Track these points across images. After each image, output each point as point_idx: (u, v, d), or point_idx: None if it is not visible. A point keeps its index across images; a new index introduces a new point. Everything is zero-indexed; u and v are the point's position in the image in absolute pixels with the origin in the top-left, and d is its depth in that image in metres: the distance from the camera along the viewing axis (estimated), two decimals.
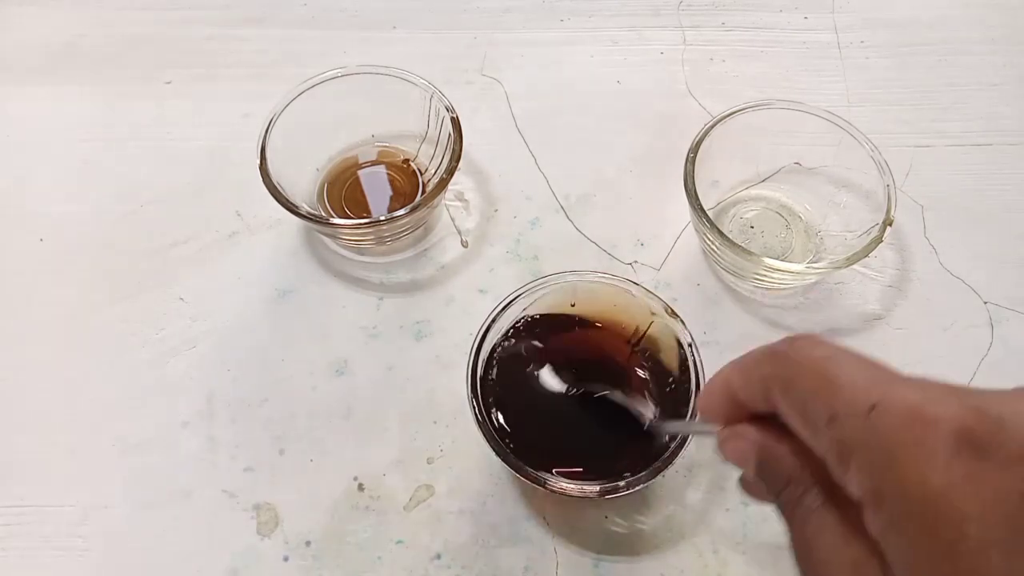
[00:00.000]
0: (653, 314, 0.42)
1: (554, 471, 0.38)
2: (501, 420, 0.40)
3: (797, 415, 0.23)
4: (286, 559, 0.41)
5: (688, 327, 0.41)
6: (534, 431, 0.40)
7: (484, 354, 0.41)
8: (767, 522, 0.42)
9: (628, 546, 0.41)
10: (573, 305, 0.43)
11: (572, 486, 0.37)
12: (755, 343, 0.47)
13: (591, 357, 0.43)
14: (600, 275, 0.42)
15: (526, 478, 0.37)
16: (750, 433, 0.26)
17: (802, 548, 0.23)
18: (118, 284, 0.50)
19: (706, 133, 0.47)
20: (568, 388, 0.41)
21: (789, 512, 0.24)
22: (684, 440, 0.38)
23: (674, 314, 0.41)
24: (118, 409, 0.45)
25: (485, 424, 0.38)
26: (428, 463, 0.43)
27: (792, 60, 0.60)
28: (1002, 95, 0.58)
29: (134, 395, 0.46)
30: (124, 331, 0.48)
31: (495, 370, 0.41)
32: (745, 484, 0.30)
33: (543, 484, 0.37)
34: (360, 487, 0.43)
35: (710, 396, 0.27)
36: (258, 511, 0.42)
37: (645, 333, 0.42)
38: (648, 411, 0.41)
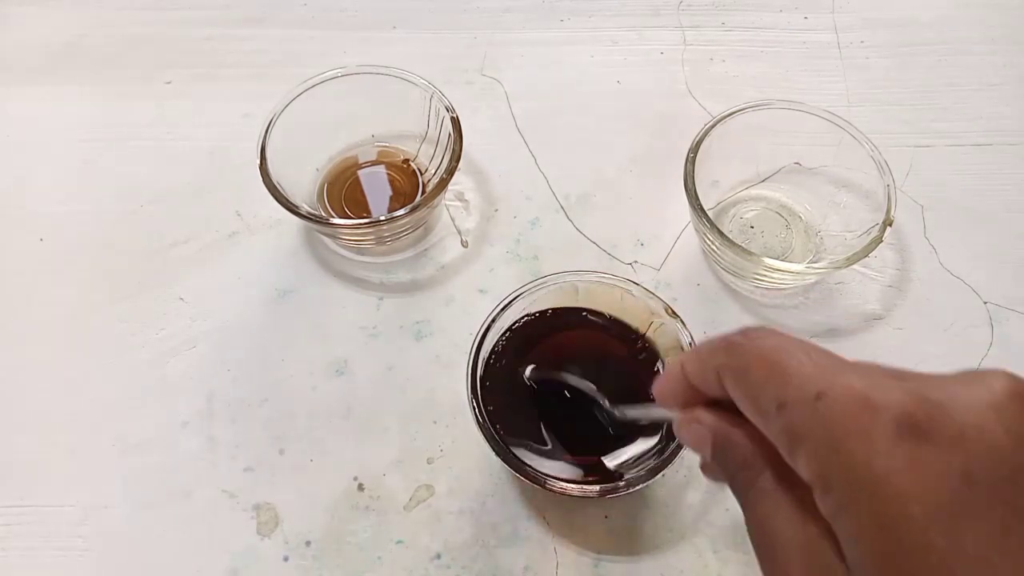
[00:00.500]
0: (653, 314, 0.42)
1: (558, 461, 0.38)
2: (499, 419, 0.40)
3: (749, 403, 0.24)
4: (286, 559, 0.41)
5: (688, 327, 0.41)
6: (532, 428, 0.40)
7: (484, 354, 0.41)
8: None
9: (628, 546, 0.41)
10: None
11: (572, 486, 0.37)
12: None
13: (591, 357, 0.42)
14: (600, 275, 0.42)
15: (526, 478, 0.37)
16: (705, 418, 0.27)
17: (756, 530, 0.24)
18: (118, 284, 0.50)
19: (706, 133, 0.47)
20: (538, 379, 0.41)
21: (743, 495, 0.25)
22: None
23: (674, 314, 0.41)
24: (118, 409, 0.45)
25: (485, 424, 0.38)
26: (428, 463, 0.43)
27: (792, 60, 0.60)
28: (1002, 95, 0.58)
29: (134, 395, 0.46)
30: (124, 331, 0.48)
31: (495, 369, 0.41)
32: (704, 467, 0.30)
33: (543, 484, 0.37)
34: (360, 487, 0.43)
35: (667, 382, 0.28)
36: (258, 511, 0.42)
37: (646, 333, 0.42)
38: (605, 397, 0.40)
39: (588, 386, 0.39)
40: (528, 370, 0.41)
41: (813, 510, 0.22)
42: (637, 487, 0.37)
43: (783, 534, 0.23)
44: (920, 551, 0.19)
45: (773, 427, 0.23)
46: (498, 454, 0.38)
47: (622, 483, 0.37)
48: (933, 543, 0.19)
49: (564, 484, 0.37)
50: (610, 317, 0.43)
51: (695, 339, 0.40)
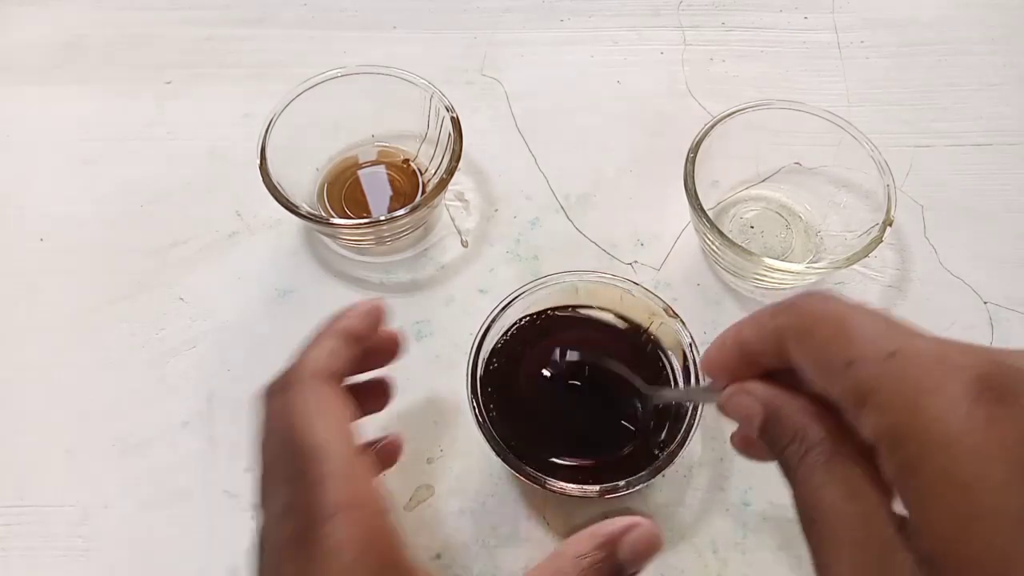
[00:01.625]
0: (653, 314, 0.42)
1: (558, 460, 0.38)
2: (500, 419, 0.40)
3: (813, 362, 0.23)
4: None
5: (688, 327, 0.41)
6: (535, 428, 0.39)
7: (484, 354, 0.41)
8: (767, 522, 0.42)
9: None
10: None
11: (572, 486, 0.37)
12: None
13: (592, 357, 0.42)
14: (600, 275, 0.42)
15: (526, 478, 0.37)
16: (757, 388, 0.26)
17: (806, 505, 0.23)
18: (118, 284, 0.50)
19: (706, 133, 0.47)
20: (562, 376, 0.41)
21: (794, 469, 0.24)
22: (684, 439, 0.37)
23: (674, 314, 0.41)
24: (118, 409, 0.45)
25: (485, 424, 0.38)
26: (428, 463, 0.43)
27: (792, 60, 0.60)
28: (1002, 95, 0.58)
29: (134, 395, 0.46)
30: (124, 331, 0.48)
31: (495, 369, 0.41)
32: (740, 442, 0.29)
33: (543, 484, 0.37)
34: None
35: (717, 352, 0.27)
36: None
37: (647, 332, 0.42)
38: (645, 383, 0.40)
39: (622, 369, 0.39)
40: (555, 353, 0.41)
41: (869, 483, 0.21)
42: (637, 487, 0.37)
43: (836, 508, 0.22)
44: (998, 514, 0.18)
45: (839, 384, 0.22)
46: (498, 454, 0.37)
47: (622, 483, 0.37)
48: (1011, 506, 0.18)
49: (564, 484, 0.37)
50: (613, 314, 0.43)
51: (695, 339, 0.40)
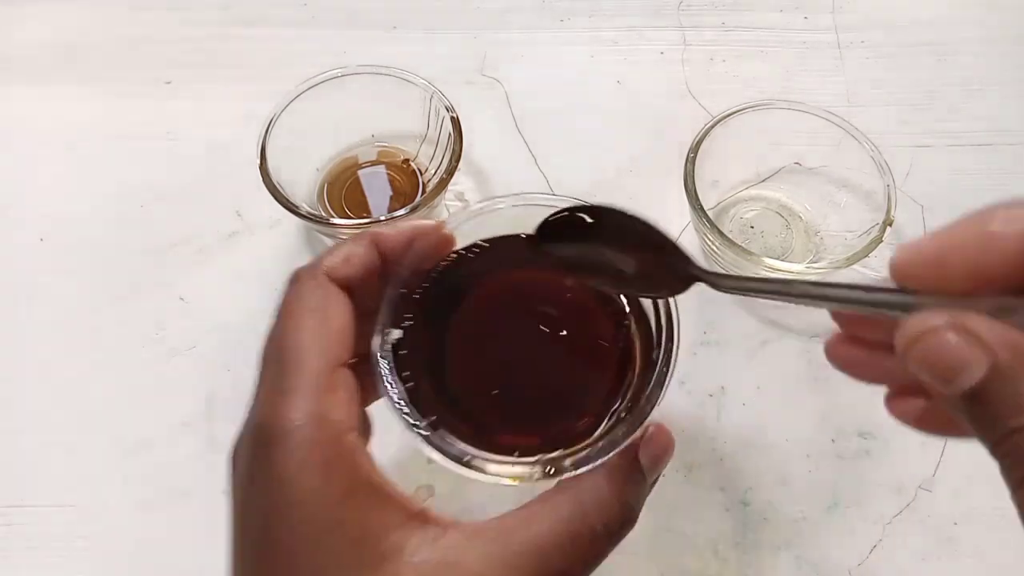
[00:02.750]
0: None
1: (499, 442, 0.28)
2: (426, 385, 0.29)
3: None
4: None
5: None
6: (472, 392, 0.30)
7: (393, 304, 0.29)
8: (767, 522, 0.42)
9: (628, 546, 0.41)
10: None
11: (505, 467, 0.27)
12: (755, 343, 0.47)
13: (551, 308, 0.32)
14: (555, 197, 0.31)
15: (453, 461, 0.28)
16: (983, 326, 0.17)
17: None
18: (118, 284, 0.50)
19: (706, 133, 0.47)
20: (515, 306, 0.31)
21: None
22: (657, 394, 0.28)
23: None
24: (118, 409, 0.45)
25: (400, 408, 0.28)
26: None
27: (792, 60, 0.60)
28: (1002, 95, 0.58)
29: (134, 395, 0.46)
30: (124, 331, 0.48)
31: (414, 321, 0.30)
32: (916, 415, 0.21)
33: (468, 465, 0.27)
34: None
35: (936, 243, 0.19)
36: None
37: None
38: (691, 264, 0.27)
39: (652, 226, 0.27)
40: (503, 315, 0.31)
41: None
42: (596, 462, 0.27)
43: None
44: None
45: None
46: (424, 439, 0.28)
47: (568, 462, 0.27)
48: None
49: (498, 467, 0.27)
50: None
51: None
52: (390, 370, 0.29)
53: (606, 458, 0.26)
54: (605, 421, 0.29)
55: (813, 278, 0.47)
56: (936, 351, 0.18)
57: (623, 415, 0.28)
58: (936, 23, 0.62)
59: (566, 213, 0.29)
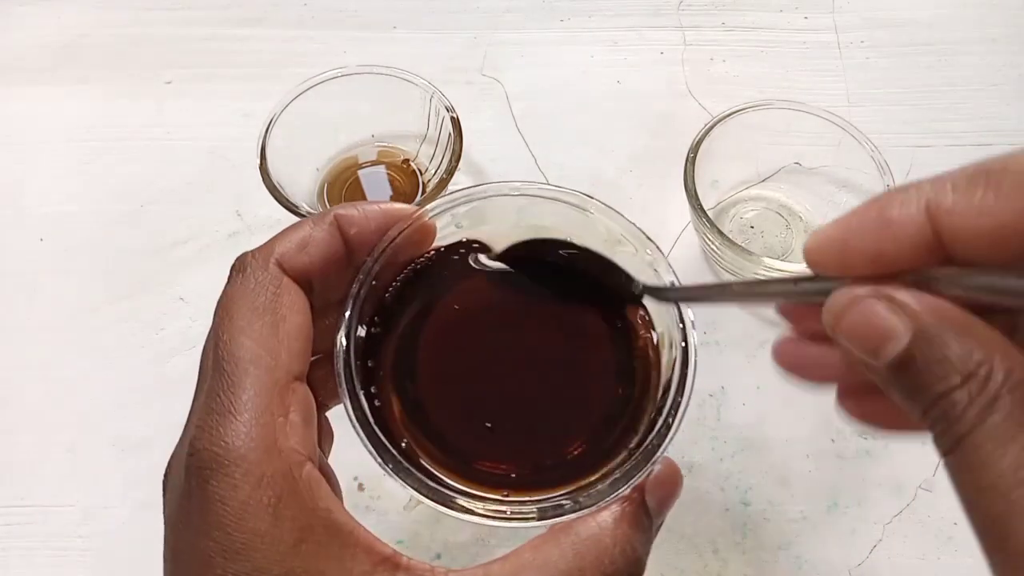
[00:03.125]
0: (616, 242, 0.31)
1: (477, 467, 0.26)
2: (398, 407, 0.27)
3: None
4: None
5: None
6: (448, 415, 0.27)
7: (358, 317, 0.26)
8: (767, 522, 0.42)
9: None
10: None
11: (483, 506, 0.24)
12: (755, 343, 0.47)
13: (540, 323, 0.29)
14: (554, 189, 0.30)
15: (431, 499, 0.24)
16: (906, 296, 0.17)
17: (979, 482, 0.16)
18: (118, 284, 0.50)
19: (706, 133, 0.47)
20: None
21: (962, 421, 0.16)
22: (670, 425, 0.25)
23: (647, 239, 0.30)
24: (118, 409, 0.45)
25: (367, 427, 0.25)
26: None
27: (792, 60, 0.60)
28: (1002, 95, 0.58)
29: (134, 395, 0.46)
30: (124, 331, 0.48)
31: (381, 327, 0.28)
32: (868, 412, 0.20)
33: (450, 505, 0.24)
34: (360, 487, 0.43)
35: (845, 227, 0.18)
36: None
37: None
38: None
39: (607, 258, 0.27)
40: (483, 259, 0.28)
41: None
42: (590, 508, 0.23)
43: None
44: None
45: None
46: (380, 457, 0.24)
47: (566, 503, 0.23)
48: None
49: (474, 504, 0.24)
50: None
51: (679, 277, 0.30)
52: (355, 387, 0.25)
53: (609, 499, 0.23)
54: (603, 453, 0.26)
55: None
56: (862, 321, 0.18)
57: (632, 448, 0.25)
58: (936, 23, 0.62)
59: (522, 246, 0.28)
